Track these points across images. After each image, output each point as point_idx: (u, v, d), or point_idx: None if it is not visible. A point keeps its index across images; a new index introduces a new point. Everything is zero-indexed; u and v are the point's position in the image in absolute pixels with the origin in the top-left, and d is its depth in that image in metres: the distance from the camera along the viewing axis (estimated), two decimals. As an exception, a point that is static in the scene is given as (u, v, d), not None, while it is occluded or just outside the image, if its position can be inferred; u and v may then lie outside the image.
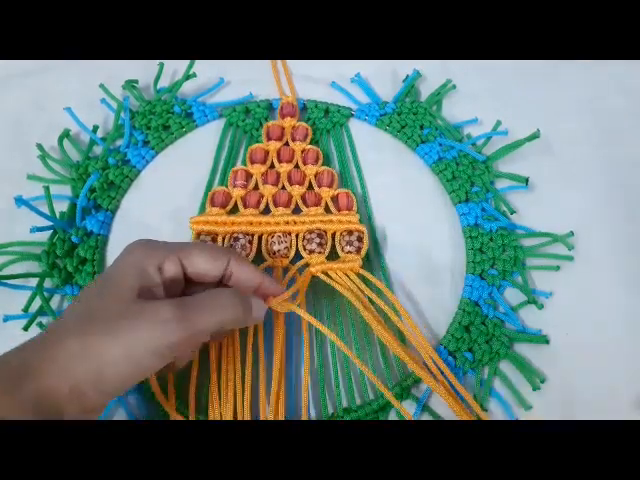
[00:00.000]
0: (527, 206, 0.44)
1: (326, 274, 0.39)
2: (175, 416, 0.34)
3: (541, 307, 0.40)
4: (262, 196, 0.43)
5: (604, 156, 0.47)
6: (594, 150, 0.47)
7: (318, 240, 0.40)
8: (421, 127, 0.47)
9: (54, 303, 0.40)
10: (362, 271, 0.39)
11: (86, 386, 0.26)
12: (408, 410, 0.36)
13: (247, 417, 0.34)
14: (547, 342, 0.38)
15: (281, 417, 0.35)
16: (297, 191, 0.43)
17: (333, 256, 0.40)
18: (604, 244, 0.43)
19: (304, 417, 0.35)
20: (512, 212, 0.43)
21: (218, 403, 0.35)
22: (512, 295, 0.41)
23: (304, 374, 0.36)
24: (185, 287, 0.33)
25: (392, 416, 0.37)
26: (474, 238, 0.42)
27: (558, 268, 0.41)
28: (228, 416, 0.34)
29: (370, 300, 0.38)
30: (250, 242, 0.41)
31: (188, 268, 0.32)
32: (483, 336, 0.38)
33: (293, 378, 0.37)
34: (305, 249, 0.40)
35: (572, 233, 0.42)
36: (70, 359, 0.26)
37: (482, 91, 0.50)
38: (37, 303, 0.39)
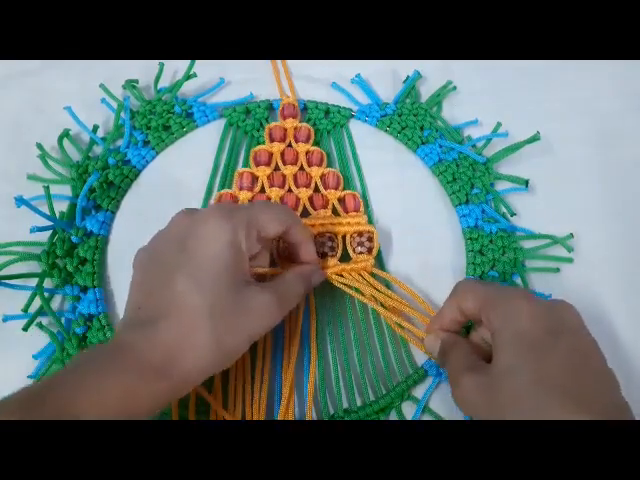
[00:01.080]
0: (527, 208, 0.44)
1: (341, 275, 0.40)
2: (222, 413, 0.35)
3: (541, 309, 0.40)
4: (269, 199, 0.43)
5: (604, 157, 0.47)
6: (594, 151, 0.47)
7: (330, 243, 0.40)
8: (421, 128, 0.47)
9: (54, 303, 0.40)
10: (375, 270, 0.40)
11: (209, 372, 0.30)
12: (408, 412, 0.36)
13: (256, 417, 0.35)
14: None
15: (290, 417, 0.35)
16: (304, 194, 0.43)
17: (344, 258, 0.41)
18: (604, 246, 0.43)
19: (308, 417, 0.35)
20: (512, 214, 0.43)
21: (222, 403, 0.35)
22: (512, 297, 0.41)
23: (310, 375, 0.36)
24: None
25: (392, 417, 0.37)
26: (474, 240, 0.42)
27: (558, 270, 0.41)
28: (237, 416, 0.35)
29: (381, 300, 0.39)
30: None
31: (261, 233, 0.33)
32: (483, 338, 0.38)
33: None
34: (317, 252, 0.40)
35: (572, 235, 0.42)
36: (204, 351, 0.29)
37: (482, 92, 0.50)
38: (37, 303, 0.39)
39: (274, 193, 0.43)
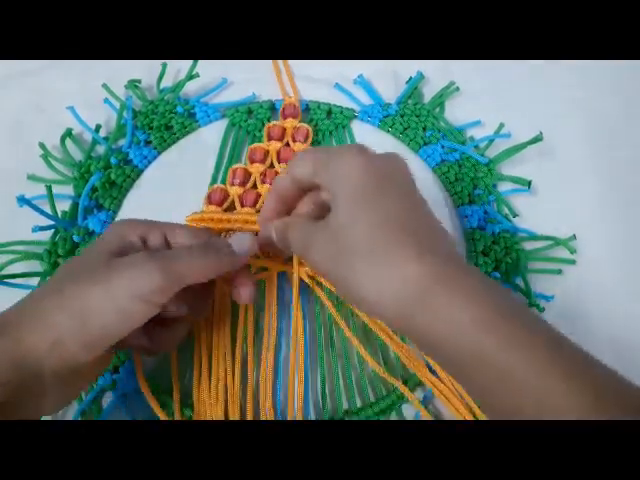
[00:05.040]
0: (529, 209, 0.44)
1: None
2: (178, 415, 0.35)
3: (542, 310, 0.40)
4: (259, 195, 0.43)
5: (606, 158, 0.47)
6: (596, 152, 0.47)
7: None
8: (424, 129, 0.47)
9: (55, 302, 0.40)
10: None
11: (68, 338, 0.27)
12: (409, 413, 0.36)
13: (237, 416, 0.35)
14: None
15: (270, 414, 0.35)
16: None
17: None
18: (606, 247, 0.43)
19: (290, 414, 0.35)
20: (514, 215, 0.43)
21: (208, 402, 0.35)
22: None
23: (290, 375, 0.36)
24: None
25: (393, 419, 0.36)
26: (477, 241, 0.42)
27: (560, 271, 0.41)
28: (218, 415, 0.34)
29: None
30: None
31: (171, 242, 0.32)
32: (484, 339, 0.38)
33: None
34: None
35: (574, 236, 0.42)
36: (50, 312, 0.27)
37: (484, 92, 0.50)
38: (38, 302, 0.39)
39: (265, 189, 0.43)
